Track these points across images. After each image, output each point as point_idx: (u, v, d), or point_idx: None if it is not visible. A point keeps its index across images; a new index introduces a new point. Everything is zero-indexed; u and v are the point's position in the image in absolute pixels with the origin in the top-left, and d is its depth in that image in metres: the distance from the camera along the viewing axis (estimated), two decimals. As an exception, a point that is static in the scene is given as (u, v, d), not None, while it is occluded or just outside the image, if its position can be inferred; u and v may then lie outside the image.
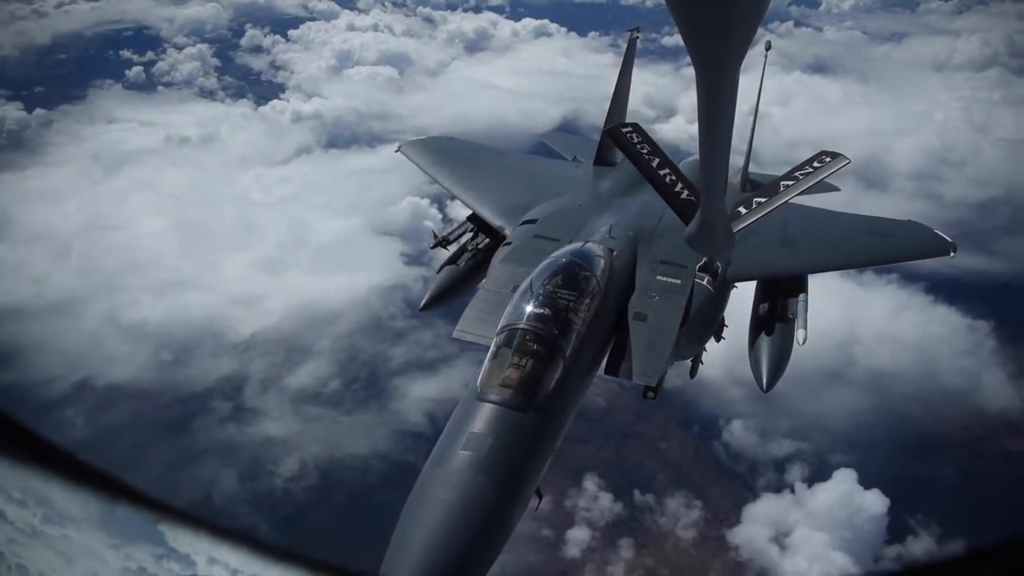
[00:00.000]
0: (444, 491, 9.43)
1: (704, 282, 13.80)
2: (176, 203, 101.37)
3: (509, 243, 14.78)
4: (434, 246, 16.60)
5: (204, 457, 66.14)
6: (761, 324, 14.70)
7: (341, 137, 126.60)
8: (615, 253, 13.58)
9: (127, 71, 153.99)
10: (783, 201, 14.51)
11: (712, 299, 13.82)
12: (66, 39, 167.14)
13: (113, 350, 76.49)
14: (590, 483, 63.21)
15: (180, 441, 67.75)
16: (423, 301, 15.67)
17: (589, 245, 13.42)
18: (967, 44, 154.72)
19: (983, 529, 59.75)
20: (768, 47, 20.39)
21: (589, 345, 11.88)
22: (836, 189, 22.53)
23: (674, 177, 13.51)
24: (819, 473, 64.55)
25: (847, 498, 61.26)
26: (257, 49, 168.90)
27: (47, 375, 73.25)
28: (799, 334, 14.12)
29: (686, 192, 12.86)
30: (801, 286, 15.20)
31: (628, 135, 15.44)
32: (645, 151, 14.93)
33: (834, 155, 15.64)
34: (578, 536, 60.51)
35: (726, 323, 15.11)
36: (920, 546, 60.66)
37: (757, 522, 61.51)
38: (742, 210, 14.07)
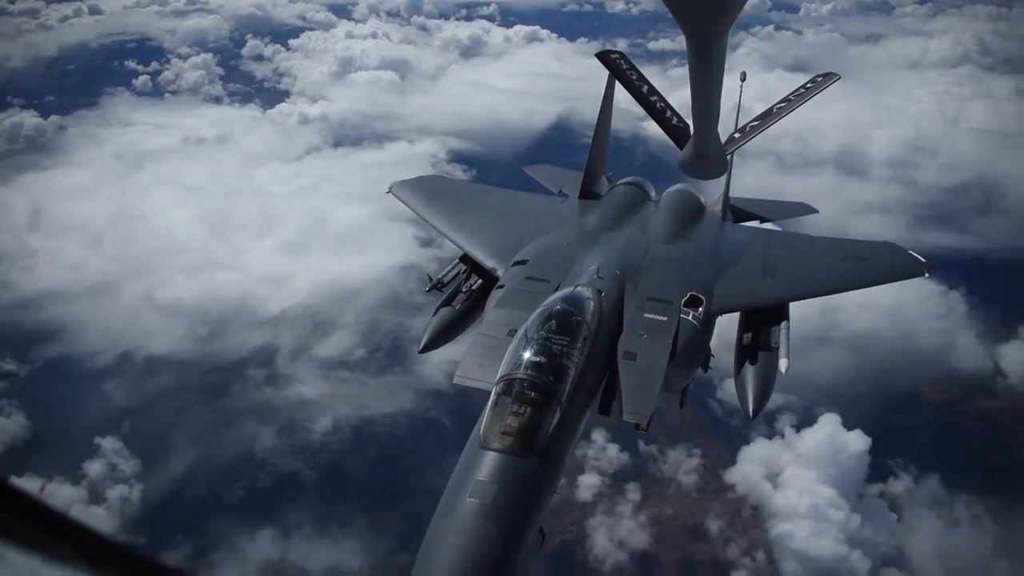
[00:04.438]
0: (454, 537, 9.73)
1: (690, 317, 13.88)
2: (199, 195, 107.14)
3: (502, 285, 14.85)
4: (429, 289, 16.46)
5: (243, 417, 71.60)
6: (745, 353, 14.55)
7: (348, 137, 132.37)
8: (603, 294, 13.66)
9: (133, 80, 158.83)
10: (776, 121, 15.43)
11: (698, 333, 13.87)
12: (72, 51, 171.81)
13: (151, 326, 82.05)
14: (598, 435, 67.88)
15: (220, 404, 73.23)
16: (421, 344, 15.53)
17: (579, 289, 13.50)
18: (940, 43, 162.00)
19: (957, 472, 66.14)
20: (743, 78, 20.41)
21: (583, 388, 12.03)
22: (815, 211, 23.24)
23: (663, 104, 14.19)
24: (806, 422, 69.87)
25: (832, 438, 66.75)
26: (259, 57, 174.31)
27: (91, 349, 78.98)
28: (782, 363, 14.05)
29: (676, 119, 13.36)
30: (783, 315, 15.16)
31: (617, 61, 16.33)
32: (634, 77, 15.82)
33: (826, 75, 16.94)
34: (588, 481, 65.33)
35: (712, 353, 15.10)
36: (900, 486, 66.63)
37: (751, 462, 66.97)
38: (737, 135, 14.70)
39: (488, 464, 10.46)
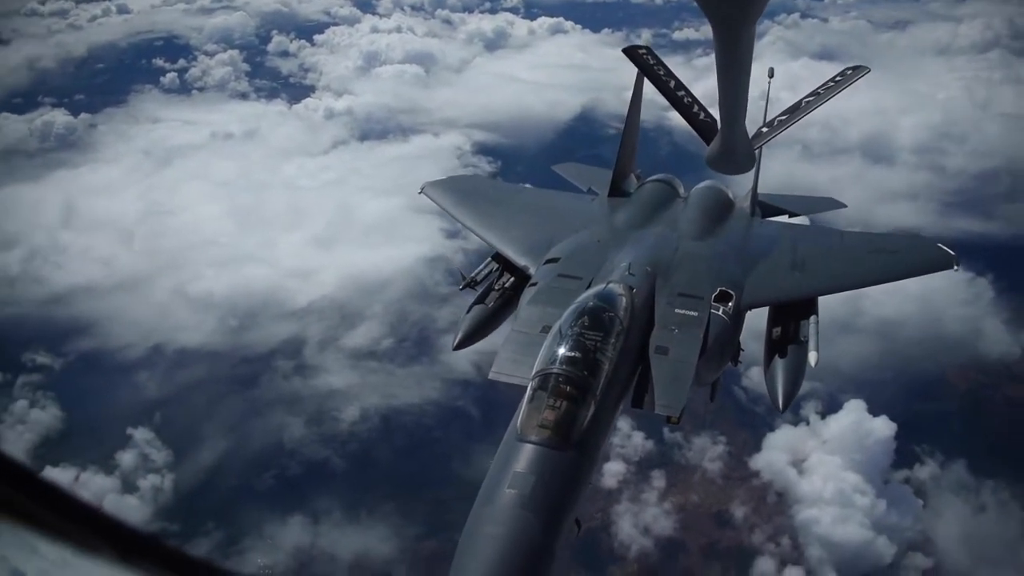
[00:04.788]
0: (494, 527, 9.95)
1: (720, 312, 14.08)
2: (228, 190, 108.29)
3: (535, 283, 15.08)
4: (463, 287, 16.73)
5: (273, 407, 72.79)
6: (775, 347, 14.81)
7: (373, 131, 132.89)
8: (635, 290, 13.86)
9: (161, 78, 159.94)
10: (804, 115, 15.44)
11: (728, 328, 14.07)
12: (101, 50, 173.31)
13: (182, 319, 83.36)
14: (623, 424, 67.62)
15: (250, 394, 74.52)
16: (456, 341, 15.91)
17: (611, 286, 13.71)
18: (969, 29, 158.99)
19: (984, 458, 65.96)
20: (771, 75, 20.47)
21: (616, 382, 12.25)
22: (843, 206, 23.51)
23: (690, 99, 14.39)
24: (831, 408, 69.95)
25: (857, 424, 66.86)
26: (284, 54, 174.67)
27: (123, 342, 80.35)
28: (811, 356, 14.23)
29: (703, 114, 13.61)
30: (812, 309, 15.30)
31: (644, 56, 16.55)
32: (662, 72, 16.00)
33: (855, 68, 16.95)
34: (614, 468, 65.60)
35: (742, 347, 15.33)
36: (926, 472, 66.58)
37: (776, 449, 67.25)
38: (764, 129, 14.83)
39: (526, 456, 10.79)
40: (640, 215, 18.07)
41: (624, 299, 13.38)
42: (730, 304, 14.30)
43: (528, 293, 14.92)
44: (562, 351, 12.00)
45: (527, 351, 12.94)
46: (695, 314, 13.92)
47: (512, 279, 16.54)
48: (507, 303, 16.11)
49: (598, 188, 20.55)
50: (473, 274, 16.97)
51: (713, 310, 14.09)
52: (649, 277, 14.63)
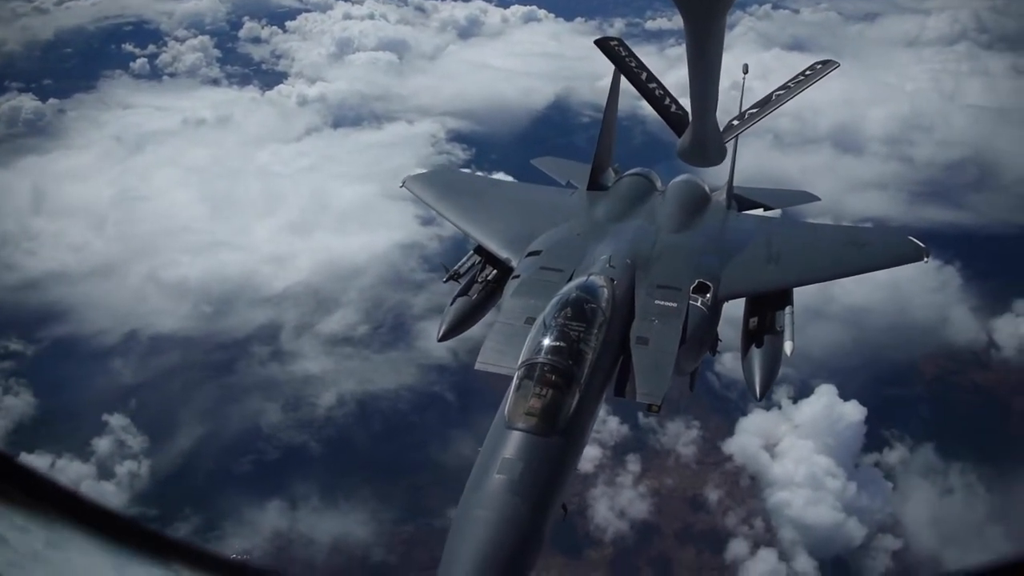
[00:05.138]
0: (484, 511, 10.27)
1: (698, 303, 14.39)
2: (201, 176, 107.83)
3: (517, 276, 15.34)
4: (446, 280, 16.88)
5: (249, 393, 72.97)
6: (751, 337, 15.14)
7: (347, 118, 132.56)
8: (616, 282, 14.11)
9: (131, 63, 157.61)
10: (775, 108, 15.58)
11: (706, 319, 14.38)
12: (69, 34, 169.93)
13: (156, 305, 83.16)
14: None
15: (226, 380, 74.50)
16: (440, 332, 16.10)
17: (593, 278, 13.96)
18: (937, 21, 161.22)
19: (952, 442, 67.25)
20: (746, 71, 20.50)
21: (599, 371, 12.54)
22: (817, 199, 23.94)
23: (662, 91, 14.29)
24: (803, 393, 71.14)
25: (828, 409, 68.19)
26: (256, 40, 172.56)
27: (97, 328, 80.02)
28: (787, 346, 14.62)
29: (674, 107, 13.45)
30: (787, 299, 15.62)
31: (616, 48, 16.35)
32: (633, 64, 15.92)
33: (825, 62, 16.94)
34: (591, 453, 65.12)
35: (720, 338, 15.52)
36: (895, 456, 68.01)
37: (749, 433, 68.41)
38: (735, 122, 14.91)
39: (513, 443, 11.04)
40: (619, 208, 18.25)
41: (606, 291, 13.62)
42: (708, 295, 14.57)
43: (511, 285, 15.16)
44: (547, 341, 12.25)
45: (511, 342, 13.25)
46: (674, 305, 14.23)
47: (494, 271, 16.74)
48: (490, 295, 16.36)
49: (576, 182, 20.72)
50: (456, 267, 17.11)
51: (692, 301, 14.38)
52: (629, 269, 14.91)
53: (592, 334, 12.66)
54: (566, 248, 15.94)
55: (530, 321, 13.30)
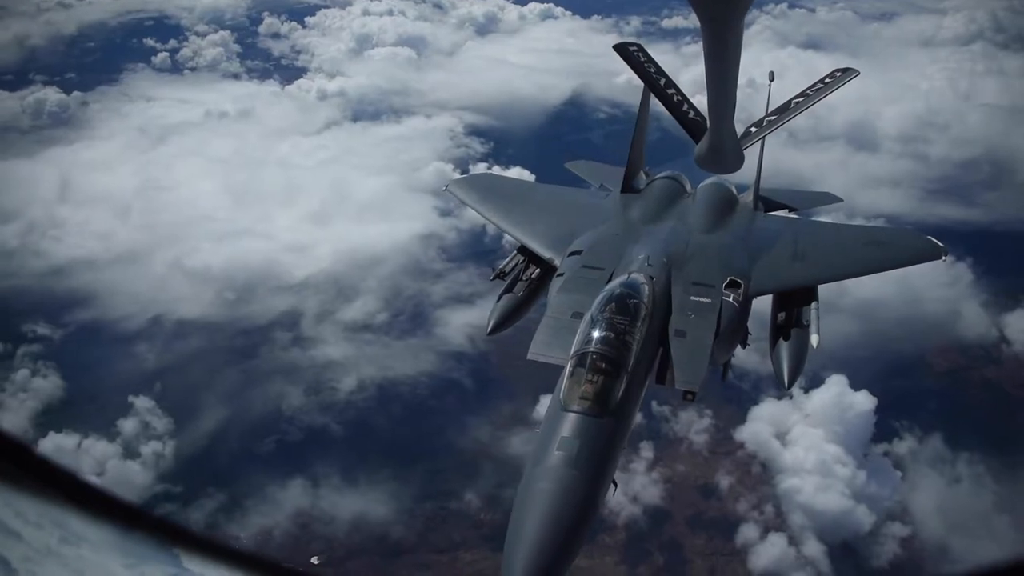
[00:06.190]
0: (546, 483, 11.24)
1: (730, 299, 15.10)
2: (224, 167, 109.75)
3: (561, 274, 16.07)
4: (493, 278, 17.72)
5: (271, 378, 74.65)
6: (779, 330, 15.88)
7: (366, 112, 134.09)
8: (654, 280, 14.92)
9: (152, 57, 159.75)
10: (794, 116, 16.14)
11: (738, 313, 15.07)
12: (91, 28, 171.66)
13: (180, 291, 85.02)
14: None
15: (248, 365, 76.31)
16: (489, 327, 16.97)
17: (634, 276, 14.77)
18: (953, 21, 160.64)
19: (960, 435, 68.13)
20: (772, 78, 20.97)
21: (643, 360, 13.40)
22: (839, 200, 24.72)
23: (680, 97, 14.88)
24: (814, 383, 71.20)
25: (839, 398, 69.04)
26: (276, 35, 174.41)
27: (122, 314, 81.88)
28: (813, 339, 15.34)
29: (692, 112, 13.93)
30: (812, 295, 16.33)
31: (635, 53, 17.05)
32: (652, 70, 16.60)
33: (845, 70, 17.50)
34: None
35: (750, 332, 16.24)
36: (905, 447, 68.81)
37: (760, 421, 69.46)
38: (753, 129, 15.45)
39: (570, 423, 11.97)
40: (652, 210, 18.96)
41: (646, 288, 14.44)
42: (739, 292, 15.32)
43: (556, 283, 15.90)
44: (596, 333, 13.19)
45: (559, 334, 14.18)
46: (708, 301, 14.99)
47: (537, 270, 17.56)
48: (534, 292, 17.23)
49: (609, 185, 21.44)
50: (502, 266, 18.03)
51: (724, 297, 15.13)
52: (665, 268, 15.63)
53: (636, 327, 13.55)
54: (605, 248, 16.71)
55: (576, 315, 14.23)
